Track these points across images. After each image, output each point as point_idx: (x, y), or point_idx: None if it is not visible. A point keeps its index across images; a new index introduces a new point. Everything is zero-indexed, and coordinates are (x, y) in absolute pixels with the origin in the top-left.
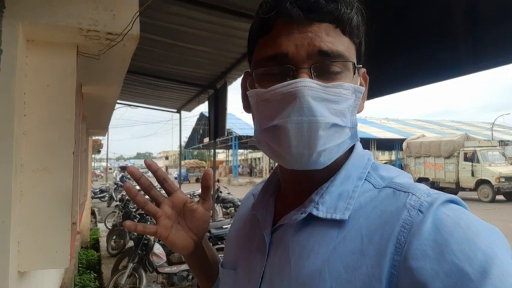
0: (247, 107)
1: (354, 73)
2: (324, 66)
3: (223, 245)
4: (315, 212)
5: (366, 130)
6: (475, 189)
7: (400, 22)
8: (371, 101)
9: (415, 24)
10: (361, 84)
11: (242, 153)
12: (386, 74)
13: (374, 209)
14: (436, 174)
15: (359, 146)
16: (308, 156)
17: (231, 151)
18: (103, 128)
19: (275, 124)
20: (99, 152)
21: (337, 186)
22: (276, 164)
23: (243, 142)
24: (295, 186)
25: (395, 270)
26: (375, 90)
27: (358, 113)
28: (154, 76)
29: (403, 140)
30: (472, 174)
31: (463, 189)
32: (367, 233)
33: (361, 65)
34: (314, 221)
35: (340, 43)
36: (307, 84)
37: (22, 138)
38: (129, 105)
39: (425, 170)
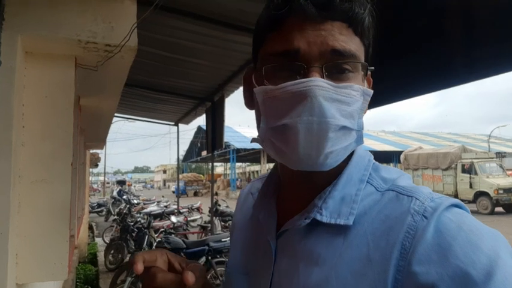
0: (250, 104)
1: (365, 74)
2: (336, 66)
3: (222, 259)
4: (318, 217)
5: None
6: (473, 201)
7: (398, 28)
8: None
9: (413, 30)
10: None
11: (240, 167)
12: (387, 82)
13: (378, 214)
14: (435, 186)
15: (360, 147)
16: (315, 158)
17: (229, 164)
18: (101, 141)
19: (284, 123)
20: (96, 165)
21: (340, 190)
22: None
23: (241, 155)
24: (297, 188)
25: (400, 275)
26: (376, 99)
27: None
28: (151, 89)
29: (401, 152)
30: (471, 186)
31: (462, 201)
32: (372, 239)
33: (372, 68)
34: (319, 226)
35: (351, 43)
36: (319, 84)
37: (20, 149)
38: (127, 118)
39: (423, 182)
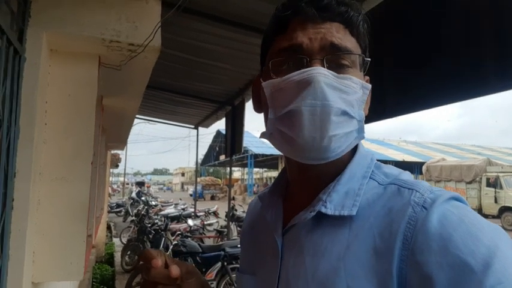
0: (259, 107)
1: (361, 69)
2: (336, 59)
3: (238, 265)
4: (323, 210)
5: (383, 152)
6: (498, 216)
7: (428, 34)
8: (387, 120)
9: (442, 37)
10: None
11: (257, 172)
12: (411, 91)
13: (382, 207)
14: None
15: (362, 146)
16: (319, 141)
17: (246, 169)
18: (122, 142)
19: (290, 109)
20: (117, 166)
21: (343, 184)
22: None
23: (259, 161)
24: (303, 186)
25: (403, 265)
26: (399, 107)
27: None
28: (173, 92)
29: (422, 163)
30: (495, 201)
31: (486, 216)
32: (378, 231)
33: (369, 59)
34: (324, 220)
35: (348, 41)
36: (322, 72)
37: (42, 146)
38: (148, 120)
39: None
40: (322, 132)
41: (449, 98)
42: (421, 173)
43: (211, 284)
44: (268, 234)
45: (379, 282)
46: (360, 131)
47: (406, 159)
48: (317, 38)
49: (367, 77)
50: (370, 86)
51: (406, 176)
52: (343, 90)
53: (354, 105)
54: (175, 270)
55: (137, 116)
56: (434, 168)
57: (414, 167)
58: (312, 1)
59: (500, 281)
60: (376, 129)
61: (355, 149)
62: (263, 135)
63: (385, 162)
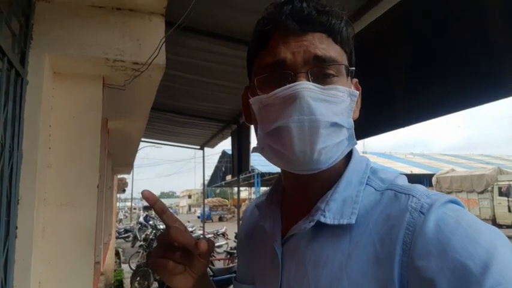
0: (249, 119)
1: (348, 76)
2: (320, 70)
3: None
4: (322, 219)
5: (391, 166)
6: None
7: (440, 41)
8: (394, 133)
9: (455, 44)
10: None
11: (265, 191)
12: (424, 99)
13: (381, 214)
14: (470, 210)
15: (356, 152)
16: (310, 154)
17: (253, 189)
18: (128, 166)
19: (278, 126)
20: (124, 191)
21: (341, 192)
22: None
23: (266, 179)
24: (299, 195)
25: (404, 271)
26: (413, 115)
27: (352, 119)
28: (178, 113)
29: (431, 175)
30: (509, 210)
31: (500, 226)
32: (378, 238)
33: (353, 68)
34: (324, 229)
35: (332, 50)
36: (306, 86)
37: (46, 171)
38: (154, 143)
39: None
40: (312, 146)
41: (464, 103)
42: (430, 184)
43: None
44: (268, 243)
45: None
46: (351, 138)
47: (414, 172)
48: (300, 52)
49: (355, 80)
50: (357, 92)
51: (402, 180)
52: (330, 101)
53: (343, 114)
54: (204, 244)
55: (143, 139)
56: (444, 179)
57: (423, 179)
58: (292, 13)
59: (499, 282)
60: (382, 144)
61: (350, 155)
62: (255, 149)
63: None
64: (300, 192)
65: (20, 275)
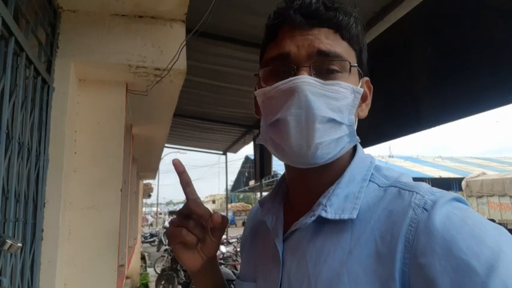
0: (257, 111)
1: (355, 73)
2: (323, 65)
3: None
4: (323, 214)
5: (418, 170)
6: None
7: (461, 40)
8: (419, 137)
9: (476, 42)
10: (364, 92)
11: None
12: (446, 99)
13: (383, 210)
14: (503, 215)
15: (361, 149)
16: (306, 148)
17: None
18: (153, 171)
19: (277, 118)
20: (149, 196)
21: (343, 188)
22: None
23: None
24: (302, 190)
25: (406, 268)
26: (433, 117)
27: (360, 118)
28: (200, 118)
29: (461, 179)
30: None
31: None
32: (380, 235)
33: (356, 65)
34: (326, 225)
35: (338, 45)
36: (306, 80)
37: (72, 175)
38: (178, 148)
39: (489, 211)
40: (308, 141)
41: (489, 103)
42: (460, 189)
43: None
44: (269, 240)
45: (382, 286)
46: (352, 136)
47: (442, 176)
48: (304, 46)
49: (366, 78)
50: (362, 90)
51: (406, 178)
52: (330, 97)
53: (343, 111)
54: (218, 216)
55: (167, 145)
56: (475, 183)
57: (452, 184)
58: (300, 8)
59: (505, 283)
60: (408, 147)
61: (354, 153)
62: (259, 140)
63: (421, 179)
64: (302, 188)
65: (46, 276)
